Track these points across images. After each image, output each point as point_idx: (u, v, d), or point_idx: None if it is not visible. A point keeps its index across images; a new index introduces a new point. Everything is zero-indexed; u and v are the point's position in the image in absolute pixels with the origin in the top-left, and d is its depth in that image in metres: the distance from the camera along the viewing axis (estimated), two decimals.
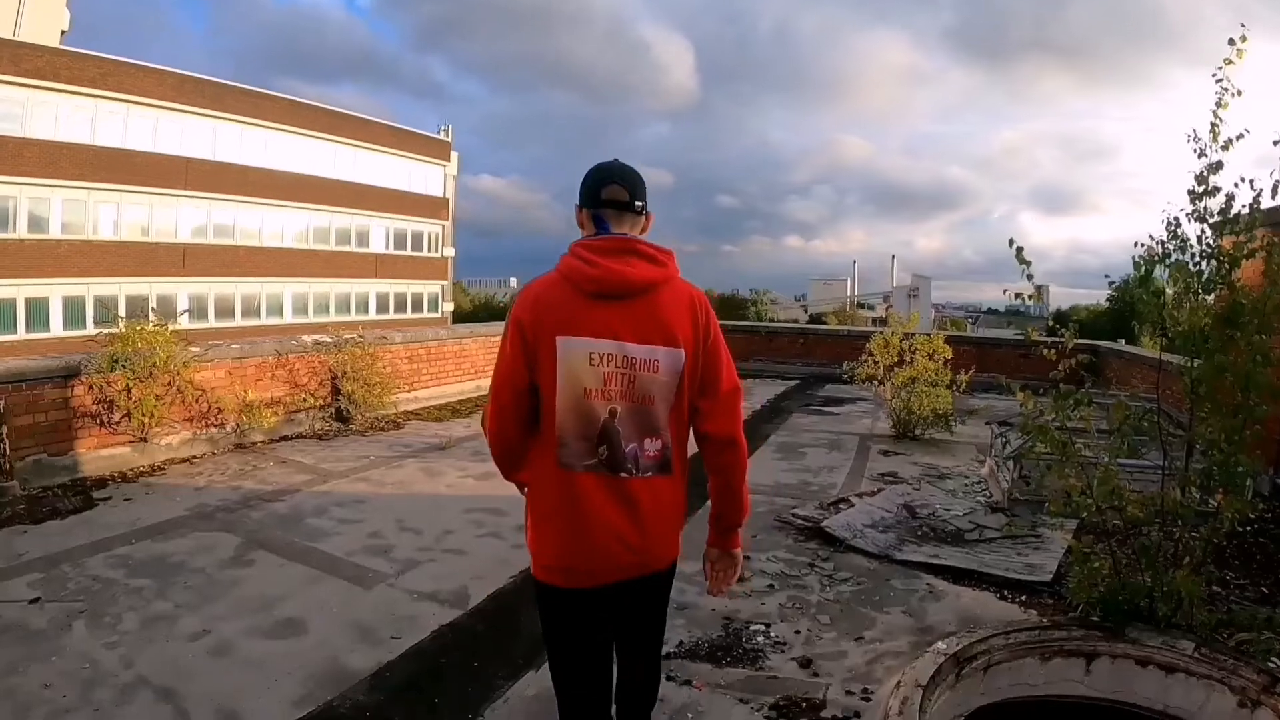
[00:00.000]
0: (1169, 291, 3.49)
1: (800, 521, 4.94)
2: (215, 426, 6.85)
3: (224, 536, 4.60)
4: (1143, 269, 3.37)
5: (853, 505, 5.37)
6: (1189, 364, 3.21)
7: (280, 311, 31.07)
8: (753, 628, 3.51)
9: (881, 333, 8.40)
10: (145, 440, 6.31)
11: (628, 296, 1.88)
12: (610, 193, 1.95)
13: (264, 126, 29.12)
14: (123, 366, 6.01)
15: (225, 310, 29.10)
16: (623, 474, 1.91)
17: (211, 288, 28.16)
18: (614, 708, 2.17)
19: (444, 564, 4.26)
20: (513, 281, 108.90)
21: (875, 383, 8.25)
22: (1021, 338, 13.79)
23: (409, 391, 8.93)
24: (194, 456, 6.51)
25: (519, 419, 1.94)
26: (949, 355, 7.86)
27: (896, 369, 8.00)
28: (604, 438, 1.89)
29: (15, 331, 22.60)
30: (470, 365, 10.05)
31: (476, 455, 6.63)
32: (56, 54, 23.20)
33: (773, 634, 3.45)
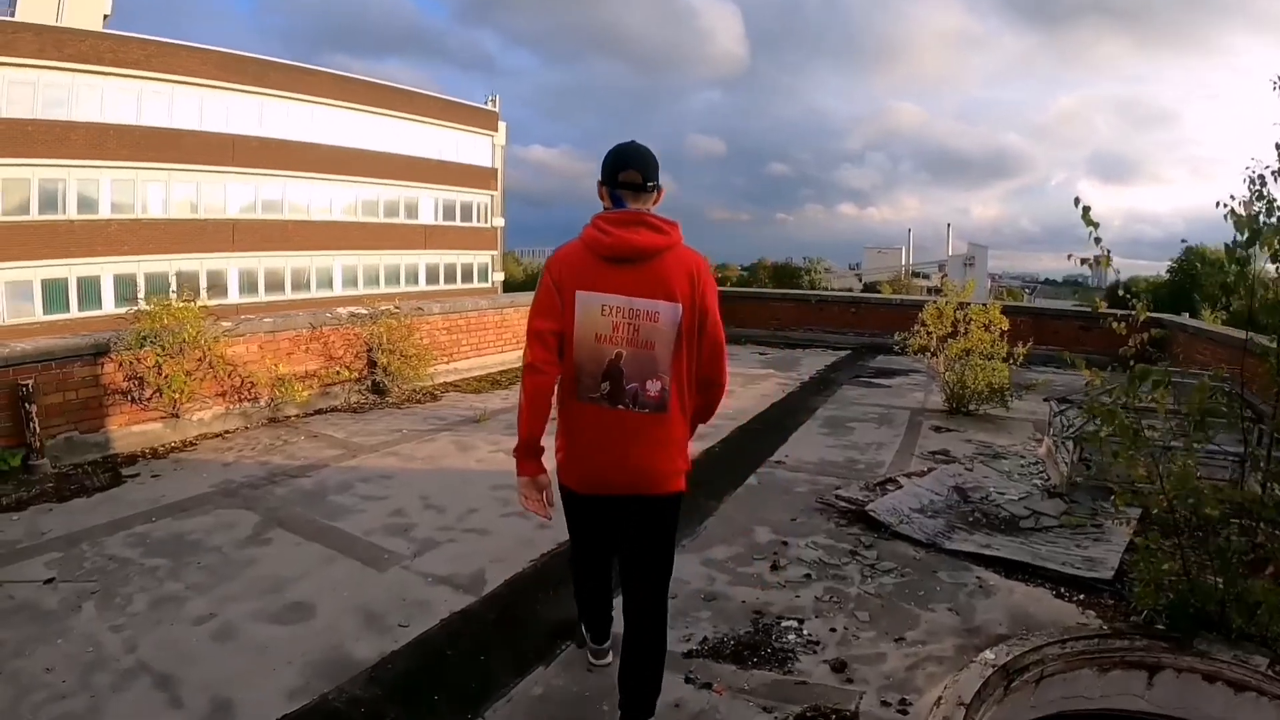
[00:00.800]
0: (1260, 262, 3.12)
1: (843, 504, 4.64)
2: (248, 401, 6.80)
3: (244, 514, 4.50)
4: (1246, 232, 2.95)
5: (900, 487, 5.05)
6: (1276, 342, 2.84)
7: (330, 284, 31.45)
8: (784, 623, 3.24)
9: (935, 302, 7.95)
10: (177, 416, 6.27)
11: (636, 260, 2.26)
12: (626, 176, 2.31)
13: (309, 101, 29.27)
14: (151, 343, 5.96)
15: (275, 284, 29.53)
16: (619, 407, 2.30)
17: (261, 262, 28.57)
18: (622, 657, 2.53)
19: (464, 544, 4.08)
20: None
21: (928, 354, 7.83)
22: (1084, 309, 13.08)
23: (448, 363, 8.81)
24: (226, 431, 6.46)
25: (554, 349, 2.33)
26: (1005, 326, 7.42)
27: (950, 340, 7.59)
28: (607, 375, 2.29)
29: (68, 310, 23.19)
30: (512, 335, 9.89)
31: (510, 429, 6.39)
32: (100, 38, 23.52)
33: (806, 631, 3.18)
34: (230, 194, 27.51)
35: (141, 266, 24.86)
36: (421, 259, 34.70)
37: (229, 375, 6.63)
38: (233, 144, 26.73)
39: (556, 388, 2.40)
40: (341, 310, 7.73)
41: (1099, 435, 3.10)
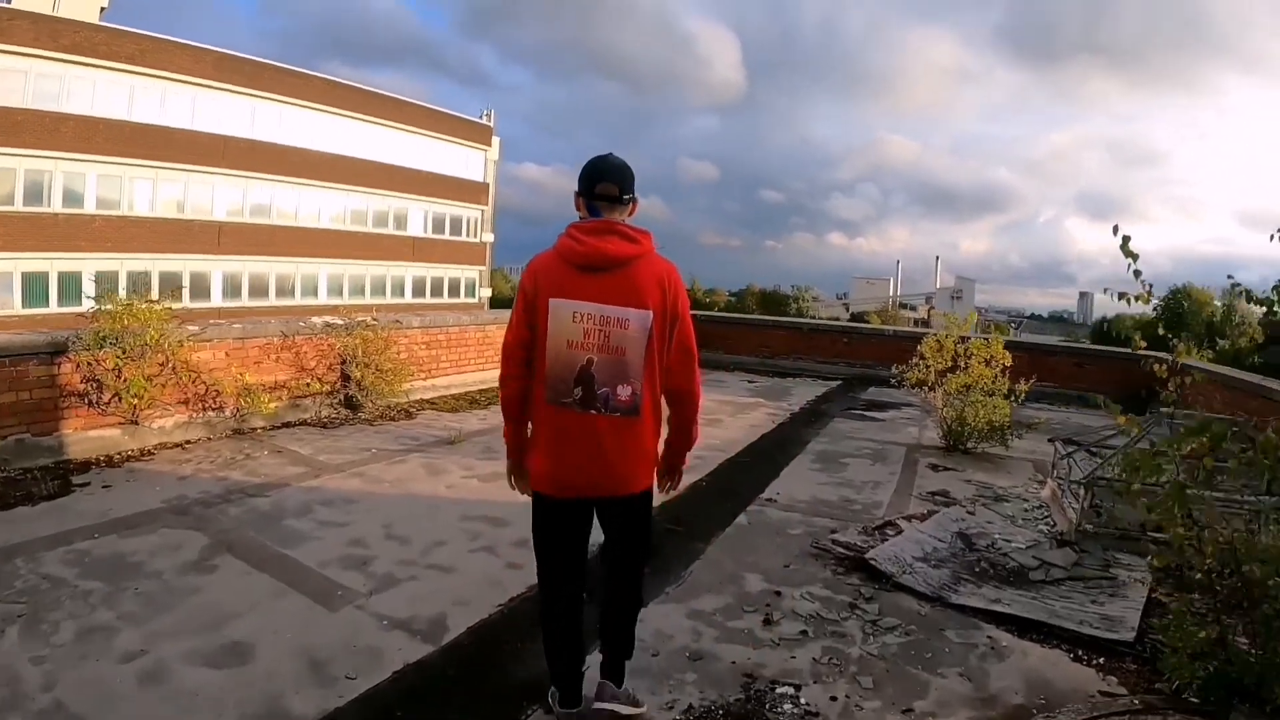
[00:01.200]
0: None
1: (841, 550, 4.30)
2: (213, 410, 6.43)
3: (193, 535, 4.13)
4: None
5: (900, 531, 4.73)
6: None
7: (315, 292, 31.02)
8: (779, 690, 2.89)
9: (935, 334, 7.68)
10: (136, 423, 5.91)
11: (607, 269, 2.32)
12: (603, 189, 2.39)
13: (303, 106, 29.00)
14: (111, 344, 5.60)
15: (259, 289, 29.08)
16: (591, 411, 2.34)
17: (246, 266, 28.14)
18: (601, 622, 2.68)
19: (426, 583, 3.72)
20: None
21: (924, 388, 7.55)
22: (1076, 346, 12.79)
23: (426, 379, 8.46)
24: (187, 441, 6.10)
25: (524, 367, 2.44)
26: (1008, 362, 7.16)
27: (949, 374, 7.31)
28: (579, 380, 2.33)
29: (48, 305, 22.65)
30: (494, 352, 9.50)
31: (486, 452, 6.12)
32: (94, 30, 23.19)
33: (803, 700, 2.83)
34: (218, 196, 27.08)
35: (124, 265, 24.34)
36: (409, 271, 34.34)
37: (193, 382, 6.27)
38: (224, 145, 26.34)
39: (529, 394, 2.47)
40: (316, 319, 7.37)
41: (1131, 487, 2.80)
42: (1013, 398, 7.08)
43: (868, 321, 60.02)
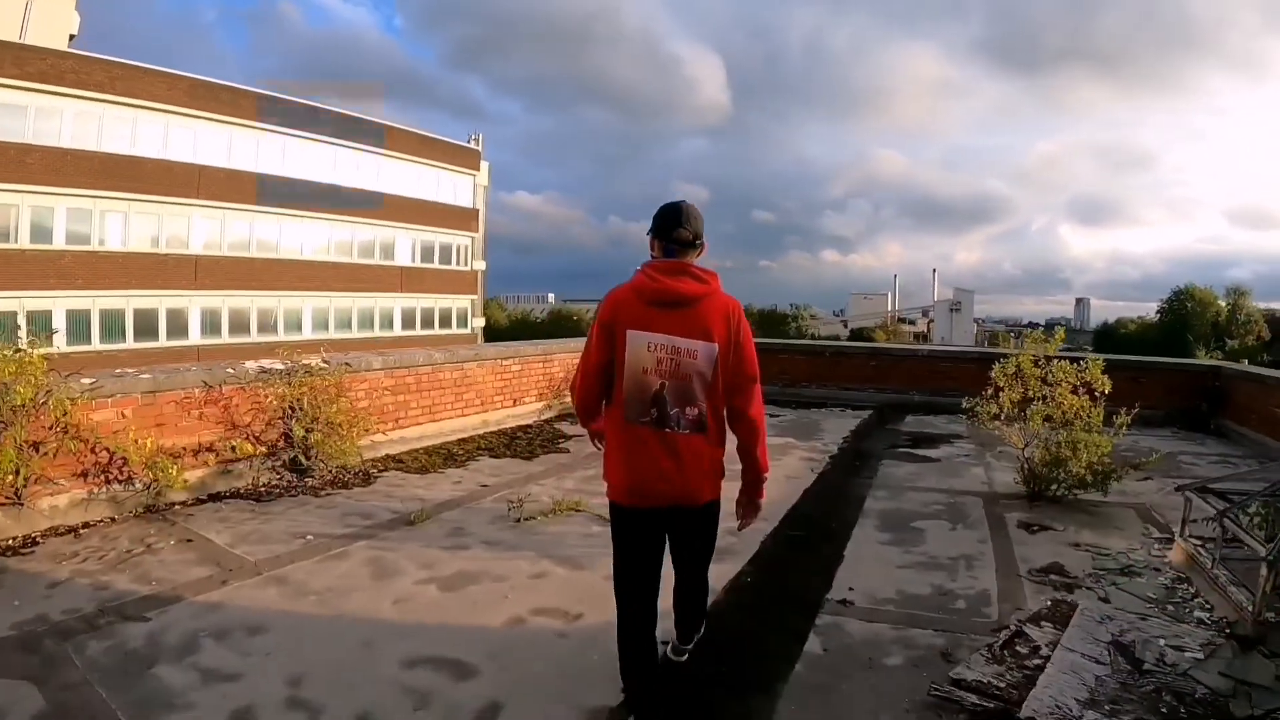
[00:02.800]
0: None
1: (974, 701, 2.87)
2: (119, 483, 5.09)
3: (24, 692, 2.84)
4: None
5: (1034, 646, 3.33)
6: None
7: (299, 327, 29.69)
8: None
9: (1014, 356, 6.21)
10: (20, 504, 4.59)
11: (680, 305, 2.61)
12: (679, 235, 2.67)
13: (282, 133, 27.76)
14: None
15: (240, 325, 27.78)
16: (667, 429, 2.62)
17: (226, 301, 26.81)
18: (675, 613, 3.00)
19: None
20: (550, 297, 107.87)
21: (999, 422, 6.13)
22: (1131, 359, 11.35)
23: (393, 429, 7.06)
24: (86, 524, 4.81)
25: (600, 385, 2.72)
26: (1108, 389, 5.81)
27: (1029, 406, 5.95)
28: (655, 402, 2.61)
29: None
30: (475, 395, 8.18)
31: (455, 537, 4.72)
32: (62, 56, 22.00)
33: None
34: (195, 228, 25.78)
35: (96, 302, 23.10)
36: (397, 302, 32.97)
37: (92, 449, 4.94)
38: (199, 174, 25.09)
39: (607, 414, 2.75)
40: (250, 364, 5.99)
41: None
42: (1112, 432, 5.74)
43: (873, 339, 58.68)
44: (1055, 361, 6.05)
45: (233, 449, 5.60)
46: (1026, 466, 5.92)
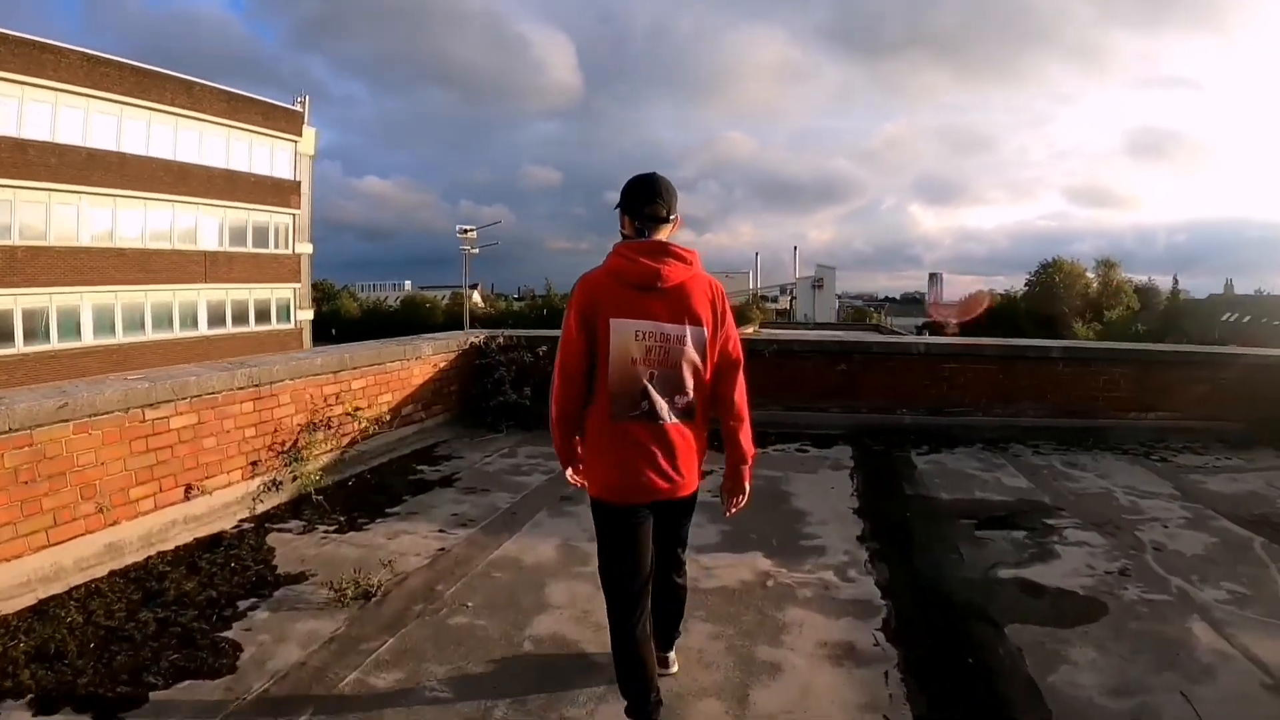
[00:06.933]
0: None
1: None
2: None
3: None
4: None
5: None
6: None
7: (76, 332, 24.17)
8: None
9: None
10: None
11: (663, 288, 2.39)
12: (652, 210, 2.44)
13: (38, 85, 22.12)
14: None
15: (2, 333, 22.21)
16: (660, 421, 2.41)
17: None
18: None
19: None
20: (406, 284, 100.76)
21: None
22: (1201, 350, 8.14)
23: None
24: None
25: (584, 384, 2.47)
26: None
27: None
28: (645, 394, 2.39)
29: None
30: (78, 490, 4.45)
31: None
32: None
33: None
34: None
35: None
36: (201, 294, 27.65)
37: None
38: None
39: (586, 415, 2.50)
40: None
41: None
42: None
43: (749, 319, 54.72)
44: None
45: None
46: None
